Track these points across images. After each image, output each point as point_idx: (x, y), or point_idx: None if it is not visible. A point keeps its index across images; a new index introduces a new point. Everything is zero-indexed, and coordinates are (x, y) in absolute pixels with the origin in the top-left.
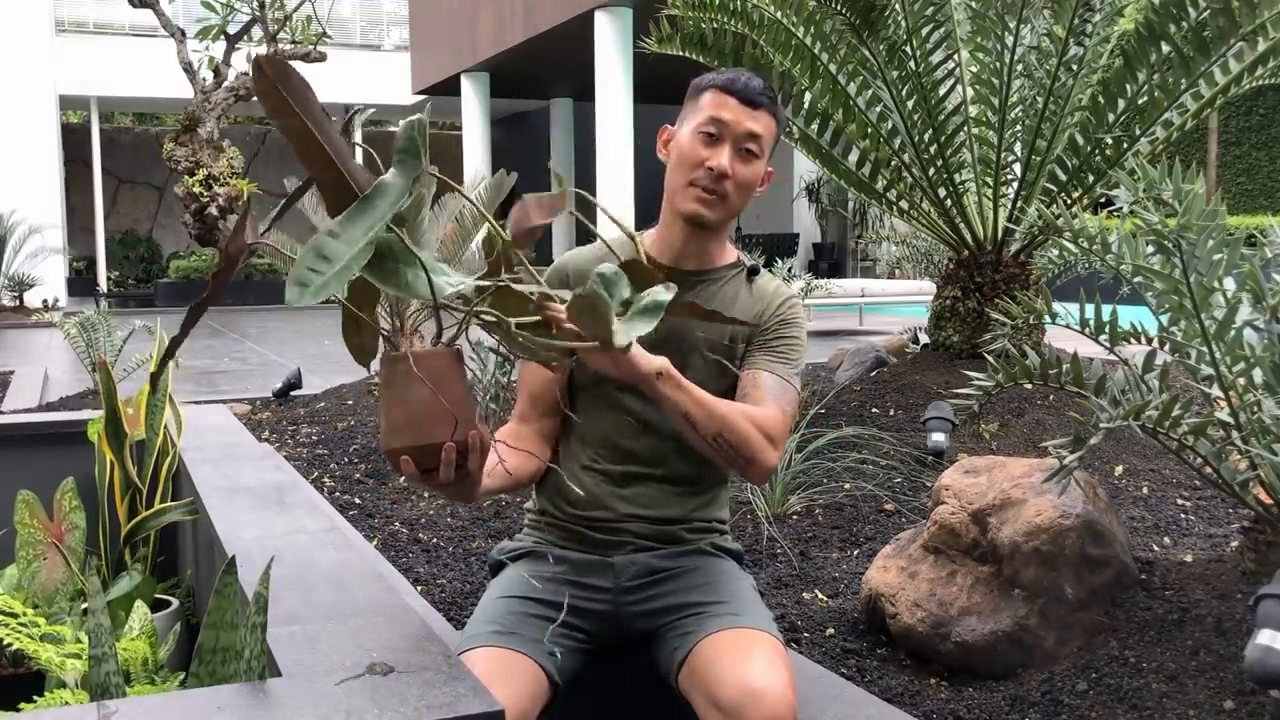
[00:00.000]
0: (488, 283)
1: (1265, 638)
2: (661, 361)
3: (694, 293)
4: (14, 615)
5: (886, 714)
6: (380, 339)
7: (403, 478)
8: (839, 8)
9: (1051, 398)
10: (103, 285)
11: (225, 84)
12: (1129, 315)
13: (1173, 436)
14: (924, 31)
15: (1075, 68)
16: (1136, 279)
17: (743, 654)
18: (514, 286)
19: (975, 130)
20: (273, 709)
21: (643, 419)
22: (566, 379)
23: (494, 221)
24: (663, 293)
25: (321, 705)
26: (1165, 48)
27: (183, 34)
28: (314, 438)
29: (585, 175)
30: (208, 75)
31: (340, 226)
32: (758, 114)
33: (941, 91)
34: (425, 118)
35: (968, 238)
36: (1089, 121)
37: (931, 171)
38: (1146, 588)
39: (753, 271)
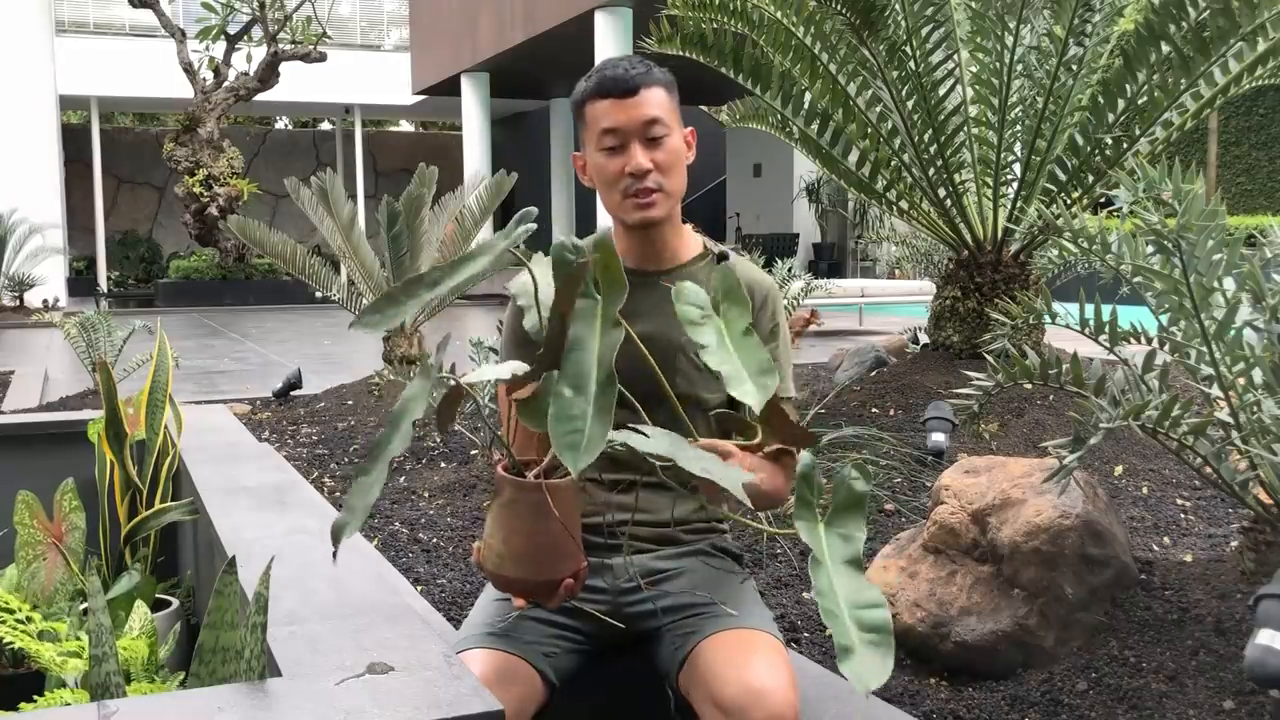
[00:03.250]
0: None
1: (1265, 638)
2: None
3: (662, 293)
4: (10, 611)
5: (886, 714)
6: (496, 453)
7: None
8: (839, 8)
9: (1051, 398)
10: (103, 285)
11: (225, 84)
12: (1129, 315)
13: (1173, 436)
14: (924, 31)
15: (1075, 68)
16: (1136, 279)
17: (744, 654)
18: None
19: (975, 130)
20: (273, 709)
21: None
22: None
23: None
24: (861, 483)
25: (321, 705)
26: (1165, 48)
27: (183, 34)
28: (314, 438)
29: None
30: (208, 75)
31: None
32: (640, 97)
33: (941, 91)
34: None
35: (967, 238)
36: (1089, 121)
37: (931, 171)
38: (1146, 588)
39: (722, 257)
